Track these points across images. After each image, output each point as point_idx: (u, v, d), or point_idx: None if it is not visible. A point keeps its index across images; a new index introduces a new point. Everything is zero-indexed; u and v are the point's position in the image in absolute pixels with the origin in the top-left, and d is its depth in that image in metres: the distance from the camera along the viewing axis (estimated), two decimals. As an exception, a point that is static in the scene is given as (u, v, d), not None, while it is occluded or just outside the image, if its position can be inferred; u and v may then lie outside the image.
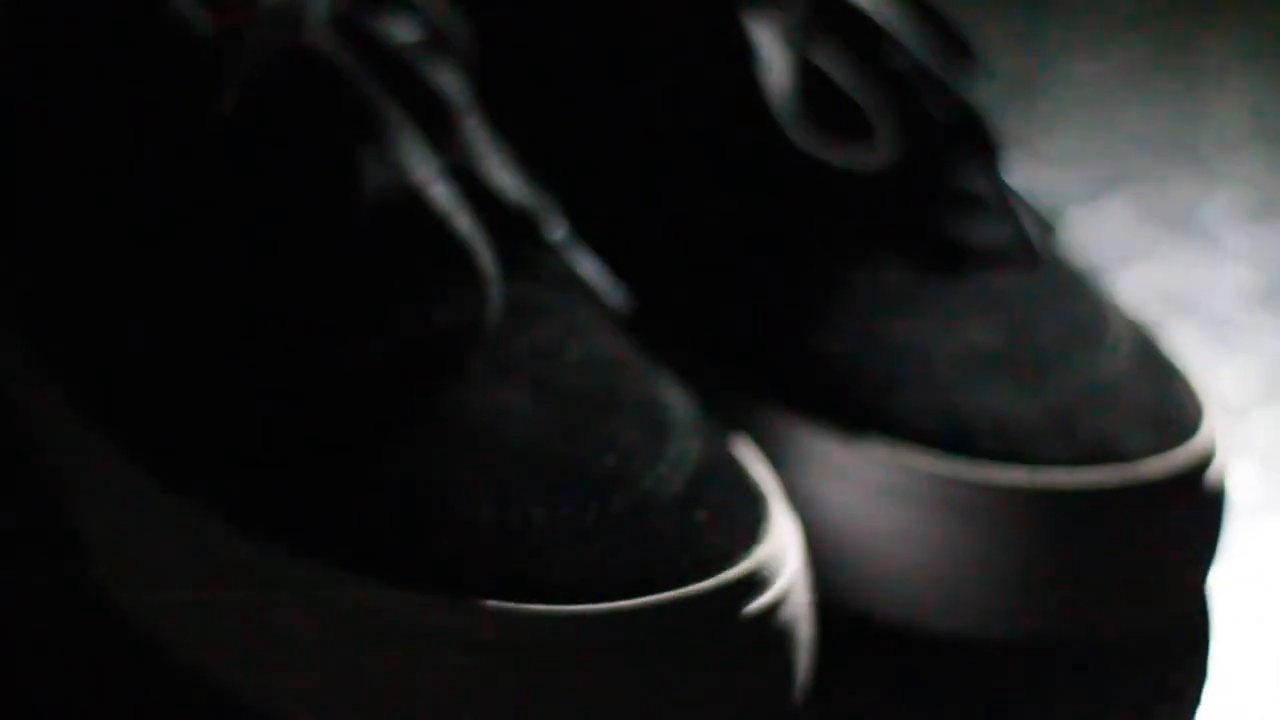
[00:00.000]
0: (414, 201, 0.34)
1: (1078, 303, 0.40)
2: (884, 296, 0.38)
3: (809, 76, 0.40)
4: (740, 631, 0.31)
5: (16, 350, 0.37)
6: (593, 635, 0.30)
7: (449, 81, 0.37)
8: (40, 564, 0.37)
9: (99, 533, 0.35)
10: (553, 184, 0.38)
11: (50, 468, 0.37)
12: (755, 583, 0.32)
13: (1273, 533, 0.41)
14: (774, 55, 0.40)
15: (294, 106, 0.34)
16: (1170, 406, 0.37)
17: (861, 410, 0.37)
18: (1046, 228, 0.41)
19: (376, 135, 0.35)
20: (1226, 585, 0.39)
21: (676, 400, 0.35)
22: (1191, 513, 0.37)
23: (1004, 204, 0.41)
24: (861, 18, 0.41)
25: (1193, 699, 0.36)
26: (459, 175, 0.36)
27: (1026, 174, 0.42)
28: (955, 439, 0.36)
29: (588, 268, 0.37)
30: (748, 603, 0.31)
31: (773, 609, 0.32)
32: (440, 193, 0.35)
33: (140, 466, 0.34)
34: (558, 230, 0.37)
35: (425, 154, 0.35)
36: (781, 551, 0.32)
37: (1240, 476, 0.42)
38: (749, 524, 0.32)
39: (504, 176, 0.36)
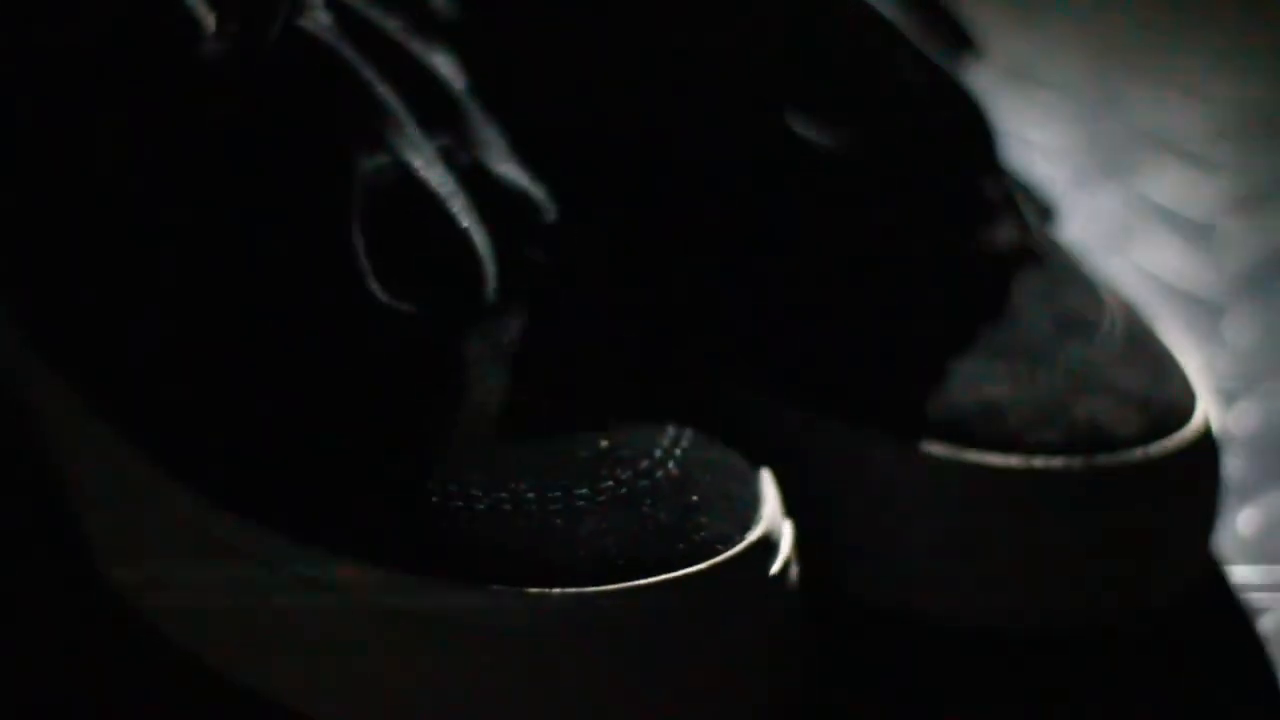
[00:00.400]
0: (411, 185, 0.34)
1: (1073, 291, 0.40)
2: (884, 290, 0.38)
3: (810, 69, 0.40)
4: (733, 614, 0.31)
5: (18, 349, 0.37)
6: (587, 616, 0.30)
7: (446, 67, 0.37)
8: (41, 556, 0.37)
9: (100, 524, 0.36)
10: (551, 181, 0.38)
11: (51, 461, 0.37)
12: (749, 566, 0.32)
13: (1259, 517, 0.41)
14: (774, 51, 0.40)
15: (291, 91, 0.34)
16: (1165, 393, 0.37)
17: (861, 403, 0.37)
18: (1045, 216, 0.41)
19: (374, 120, 0.35)
20: (1216, 570, 0.39)
21: (672, 385, 0.35)
22: (1186, 498, 0.37)
23: (1003, 194, 0.41)
24: (861, 7, 0.41)
25: (1188, 682, 0.36)
26: (456, 160, 0.36)
27: (1020, 162, 0.42)
28: (953, 428, 0.36)
29: (584, 255, 0.37)
30: (741, 586, 0.32)
31: (766, 591, 0.32)
32: (437, 177, 0.35)
33: (142, 456, 0.34)
34: (556, 218, 0.37)
35: (422, 138, 0.35)
36: (775, 536, 0.33)
37: (1227, 461, 0.42)
38: (743, 508, 0.33)
39: (501, 161, 0.36)
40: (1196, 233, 0.53)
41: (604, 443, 0.33)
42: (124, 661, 0.35)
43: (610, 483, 0.32)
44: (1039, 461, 0.36)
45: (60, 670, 0.35)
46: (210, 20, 0.34)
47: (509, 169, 0.36)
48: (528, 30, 0.41)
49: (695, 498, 0.32)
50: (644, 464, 0.33)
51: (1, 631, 0.36)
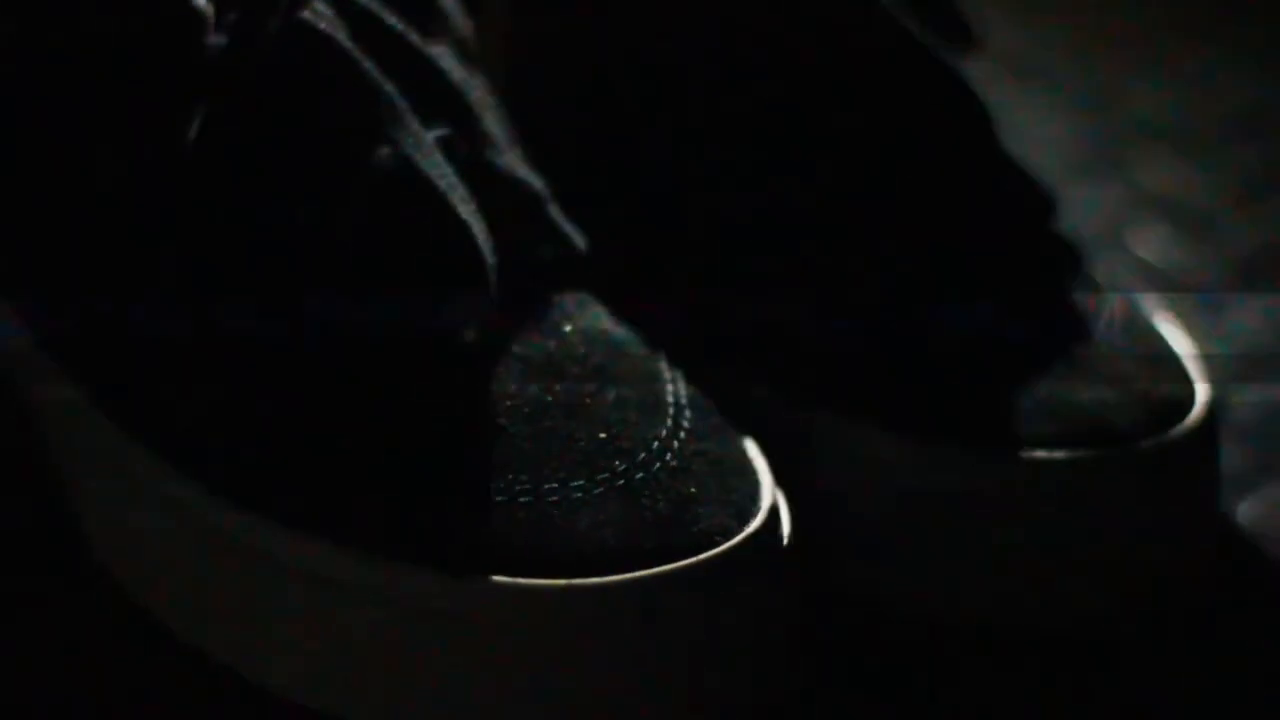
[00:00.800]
0: (411, 178, 0.34)
1: (1073, 283, 0.40)
2: (883, 286, 0.38)
3: (810, 63, 0.40)
4: (731, 606, 0.31)
5: (19, 348, 0.37)
6: (584, 608, 0.30)
7: (449, 62, 0.37)
8: (41, 555, 0.37)
9: (102, 519, 0.36)
10: (552, 174, 0.38)
11: (53, 456, 0.37)
12: (747, 558, 0.32)
13: (1259, 508, 0.41)
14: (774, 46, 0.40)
15: (290, 84, 0.34)
16: (1164, 386, 0.37)
17: (861, 399, 0.37)
18: (1044, 208, 0.41)
19: (373, 112, 0.34)
20: (1216, 563, 0.39)
21: (671, 378, 0.35)
22: (1186, 491, 0.37)
23: (1002, 187, 0.41)
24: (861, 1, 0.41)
25: (1188, 681, 0.36)
26: (457, 152, 0.36)
27: (1019, 155, 0.42)
28: (952, 423, 0.36)
29: (584, 246, 0.37)
30: (740, 577, 0.32)
31: (764, 583, 0.32)
32: (437, 169, 0.35)
33: (145, 451, 0.34)
34: (556, 210, 0.37)
35: (422, 130, 0.35)
36: (773, 528, 0.33)
37: (1226, 454, 0.42)
38: (741, 499, 0.33)
39: (505, 156, 0.36)
40: (1195, 224, 0.53)
41: (602, 434, 0.33)
42: (125, 660, 0.35)
43: (607, 474, 0.32)
44: (1038, 455, 0.35)
45: (60, 670, 0.35)
46: (210, 12, 0.34)
47: (509, 161, 0.36)
48: (530, 27, 0.41)
49: (693, 489, 0.32)
50: (642, 455, 0.33)
51: (1, 631, 0.36)
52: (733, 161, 0.40)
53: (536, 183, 0.37)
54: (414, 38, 0.36)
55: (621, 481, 0.32)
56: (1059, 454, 0.36)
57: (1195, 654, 0.37)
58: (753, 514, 0.32)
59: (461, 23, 0.38)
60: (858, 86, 0.40)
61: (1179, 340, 0.39)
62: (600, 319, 0.36)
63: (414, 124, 0.35)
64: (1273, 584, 0.39)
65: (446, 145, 0.35)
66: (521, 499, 0.32)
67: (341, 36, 0.34)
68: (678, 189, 0.40)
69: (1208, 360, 0.43)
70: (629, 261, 0.39)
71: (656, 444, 0.33)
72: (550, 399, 0.33)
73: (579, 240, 0.37)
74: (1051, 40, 0.65)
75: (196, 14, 0.34)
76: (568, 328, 0.35)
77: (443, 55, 0.36)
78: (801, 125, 0.40)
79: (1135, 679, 0.36)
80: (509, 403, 0.33)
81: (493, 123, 0.36)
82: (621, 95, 0.41)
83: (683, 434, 0.33)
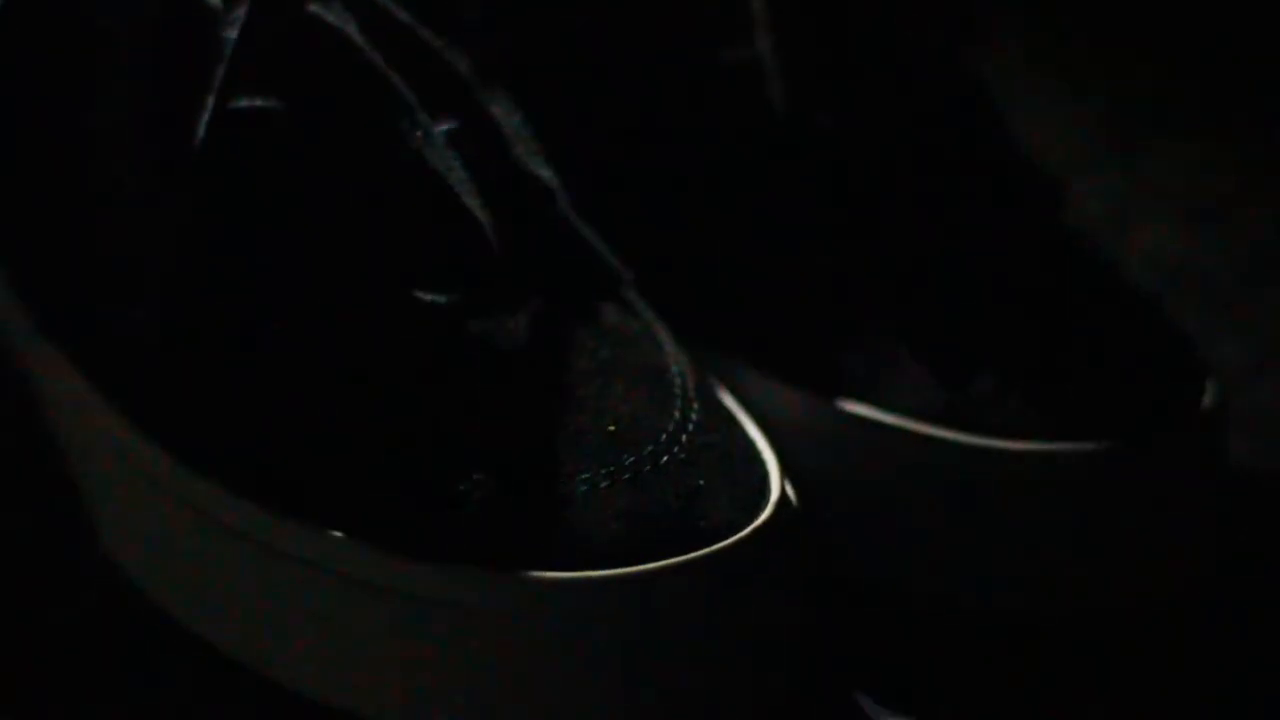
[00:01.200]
0: (422, 173, 0.34)
1: (1079, 274, 0.40)
2: (889, 276, 0.38)
3: (809, 56, 0.40)
4: (739, 598, 0.32)
5: (29, 337, 0.37)
6: (591, 601, 0.31)
7: (458, 55, 0.37)
8: (45, 544, 0.37)
9: (110, 513, 0.36)
10: (560, 166, 0.38)
11: (60, 449, 0.37)
12: (755, 551, 0.32)
13: (1267, 504, 0.41)
14: (772, 40, 0.40)
15: (298, 76, 0.34)
16: (1172, 378, 0.37)
17: (867, 389, 0.37)
18: (1051, 198, 0.41)
19: (384, 107, 0.35)
20: (1225, 558, 0.39)
21: (679, 369, 0.35)
22: (1194, 483, 0.37)
23: (1007, 176, 0.41)
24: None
25: (1193, 671, 0.36)
26: (465, 145, 0.36)
27: (1024, 144, 0.42)
28: (956, 414, 0.36)
29: (593, 240, 0.37)
30: (748, 570, 0.32)
31: (772, 575, 0.32)
32: (448, 166, 0.35)
33: (154, 444, 0.34)
34: (566, 204, 0.37)
35: (431, 124, 0.35)
36: (781, 520, 0.33)
37: (1235, 446, 0.42)
38: (750, 492, 0.33)
39: (515, 149, 0.36)
40: (1203, 214, 0.53)
41: (610, 427, 0.33)
42: (134, 654, 0.35)
43: (615, 467, 0.32)
44: (1044, 447, 0.36)
45: (66, 665, 0.35)
46: (221, 6, 0.35)
47: (520, 155, 0.36)
48: (526, 25, 0.41)
49: (702, 482, 0.32)
50: (650, 448, 0.33)
51: (5, 628, 0.36)
52: (736, 159, 0.40)
53: (547, 176, 0.37)
54: (423, 31, 0.36)
55: (629, 475, 0.32)
56: (1064, 447, 0.36)
57: (1195, 653, 0.37)
58: (761, 506, 0.32)
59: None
60: (861, 81, 0.40)
61: (1188, 331, 0.39)
62: (607, 312, 0.36)
63: (423, 118, 0.35)
64: (1273, 583, 0.39)
65: (455, 139, 0.35)
66: (529, 493, 0.32)
67: (351, 30, 0.35)
68: (679, 186, 0.40)
69: (1218, 351, 0.43)
70: (630, 256, 0.39)
71: (665, 437, 0.33)
72: (558, 392, 0.33)
73: (587, 231, 0.37)
74: (1057, 30, 0.65)
75: (208, 8, 0.34)
76: (579, 319, 0.35)
77: (452, 49, 0.36)
78: (804, 121, 0.40)
79: (1136, 677, 0.36)
80: (517, 396, 0.33)
81: (503, 116, 0.36)
82: (621, 95, 0.41)
83: (691, 426, 0.33)
